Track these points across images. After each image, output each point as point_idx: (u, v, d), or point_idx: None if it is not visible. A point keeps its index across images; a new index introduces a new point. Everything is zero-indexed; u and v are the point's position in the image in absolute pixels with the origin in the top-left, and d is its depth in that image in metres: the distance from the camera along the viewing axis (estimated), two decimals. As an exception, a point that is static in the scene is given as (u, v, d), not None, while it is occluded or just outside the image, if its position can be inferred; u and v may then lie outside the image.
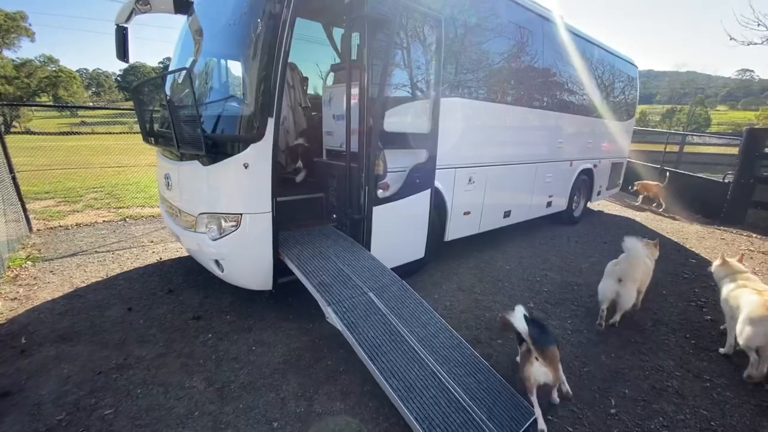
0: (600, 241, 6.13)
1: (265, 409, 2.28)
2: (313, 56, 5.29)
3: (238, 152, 2.71)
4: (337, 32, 4.98)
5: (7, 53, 36.03)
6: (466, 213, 4.61)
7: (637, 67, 8.05)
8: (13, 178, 5.12)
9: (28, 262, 4.26)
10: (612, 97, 7.23)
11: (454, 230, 4.54)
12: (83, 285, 3.80)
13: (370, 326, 2.58)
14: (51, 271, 4.07)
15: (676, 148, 11.28)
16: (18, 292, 3.59)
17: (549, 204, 6.16)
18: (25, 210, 5.33)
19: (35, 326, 3.05)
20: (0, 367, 2.56)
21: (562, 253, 5.40)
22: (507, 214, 5.31)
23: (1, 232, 4.18)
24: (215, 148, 2.78)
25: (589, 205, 7.59)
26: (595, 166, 7.04)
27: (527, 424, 2.16)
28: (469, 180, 4.47)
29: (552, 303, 3.82)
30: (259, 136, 2.68)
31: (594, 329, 3.34)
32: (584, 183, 7.05)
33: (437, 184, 3.96)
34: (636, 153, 10.13)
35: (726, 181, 7.84)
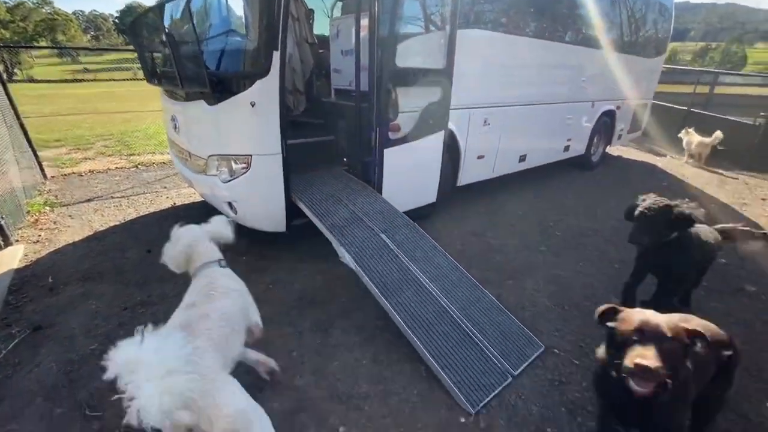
0: (619, 186, 5.96)
1: (283, 341, 2.39)
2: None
3: (244, 89, 2.60)
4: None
5: (-2, -5, 34.21)
6: (480, 157, 4.47)
7: None
8: (21, 125, 5.08)
9: (46, 208, 4.35)
10: (642, 31, 6.64)
11: (468, 174, 4.44)
12: (102, 228, 3.90)
13: (383, 265, 2.61)
14: (69, 216, 4.17)
15: (706, 89, 10.51)
16: (39, 235, 3.70)
17: (567, 148, 5.93)
18: (37, 157, 5.35)
19: (60, 267, 3.17)
20: (30, 304, 2.70)
21: (578, 198, 5.29)
22: (522, 158, 5.15)
23: (17, 178, 4.22)
24: (220, 86, 2.67)
25: (607, 149, 7.31)
26: (618, 107, 6.66)
27: (534, 356, 2.27)
28: (485, 122, 4.28)
29: (565, 247, 3.80)
30: (264, 72, 2.55)
31: (605, 271, 3.35)
32: (605, 126, 6.73)
33: (451, 125, 3.81)
34: (661, 95, 9.47)
35: (757, 123, 7.39)
